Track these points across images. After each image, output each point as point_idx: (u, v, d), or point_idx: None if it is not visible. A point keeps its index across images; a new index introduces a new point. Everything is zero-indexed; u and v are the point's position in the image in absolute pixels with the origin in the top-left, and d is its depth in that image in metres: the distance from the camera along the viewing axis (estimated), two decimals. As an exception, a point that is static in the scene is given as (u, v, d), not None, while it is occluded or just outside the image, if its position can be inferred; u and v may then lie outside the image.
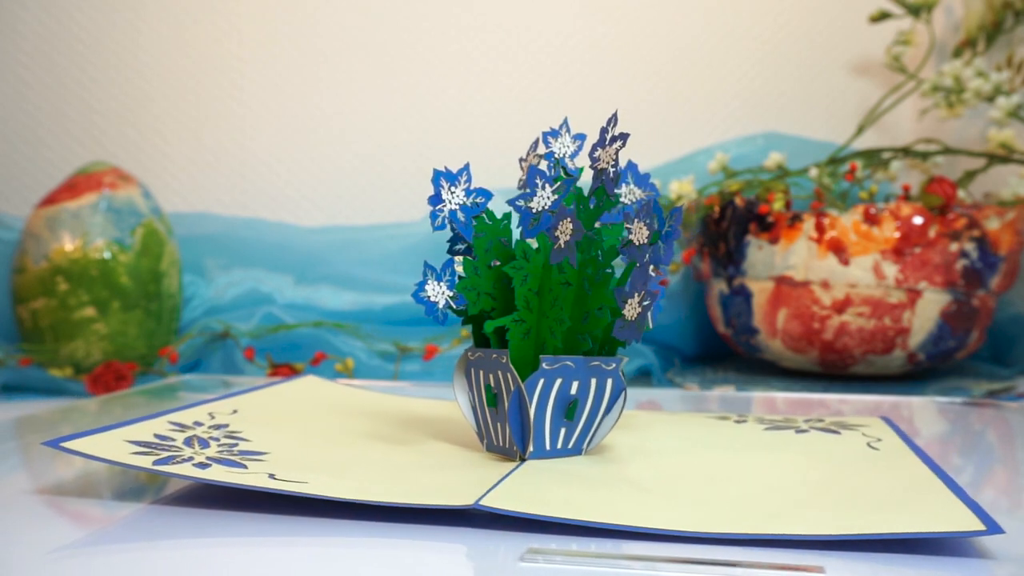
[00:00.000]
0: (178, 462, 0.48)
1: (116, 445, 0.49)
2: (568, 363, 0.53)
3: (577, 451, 0.55)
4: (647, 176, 0.57)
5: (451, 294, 0.54)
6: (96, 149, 1.11)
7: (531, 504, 0.44)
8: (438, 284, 0.54)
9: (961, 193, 0.95)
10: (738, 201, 0.92)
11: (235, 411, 0.61)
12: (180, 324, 1.00)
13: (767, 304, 0.92)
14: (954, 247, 0.87)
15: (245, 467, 0.48)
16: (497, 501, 0.44)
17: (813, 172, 0.97)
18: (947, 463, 0.59)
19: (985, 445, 0.67)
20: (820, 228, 0.88)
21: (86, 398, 0.87)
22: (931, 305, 0.88)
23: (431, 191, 0.59)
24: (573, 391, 0.53)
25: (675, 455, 0.56)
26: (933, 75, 1.07)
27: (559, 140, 0.57)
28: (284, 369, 0.91)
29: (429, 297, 0.54)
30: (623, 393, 0.54)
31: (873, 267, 0.87)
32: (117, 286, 0.91)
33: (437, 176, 0.54)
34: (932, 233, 0.86)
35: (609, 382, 0.54)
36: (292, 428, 0.58)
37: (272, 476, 0.47)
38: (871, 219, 0.87)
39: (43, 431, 0.71)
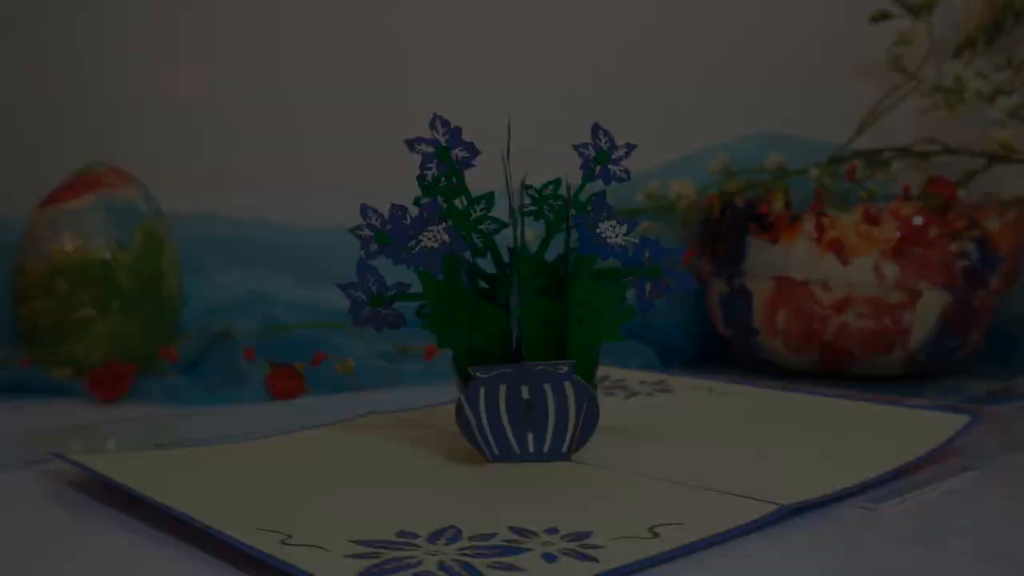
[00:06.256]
0: None
1: None
2: (506, 370, 0.54)
3: (557, 456, 0.56)
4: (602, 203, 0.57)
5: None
6: (96, 149, 1.11)
7: None
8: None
9: (961, 193, 0.95)
10: (738, 201, 0.92)
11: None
12: (180, 324, 1.00)
13: (767, 304, 0.92)
14: (954, 247, 0.87)
15: None
16: None
17: (813, 172, 0.97)
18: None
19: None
20: (820, 228, 0.88)
21: (86, 398, 0.87)
22: (931, 305, 0.88)
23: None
24: (525, 395, 0.54)
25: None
26: (933, 75, 1.07)
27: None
28: (284, 369, 0.91)
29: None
30: (588, 395, 0.55)
31: (873, 267, 0.87)
32: (117, 286, 0.91)
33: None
34: (932, 233, 0.86)
35: (567, 385, 0.54)
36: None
37: None
38: (871, 219, 0.87)
39: (43, 430, 0.71)
